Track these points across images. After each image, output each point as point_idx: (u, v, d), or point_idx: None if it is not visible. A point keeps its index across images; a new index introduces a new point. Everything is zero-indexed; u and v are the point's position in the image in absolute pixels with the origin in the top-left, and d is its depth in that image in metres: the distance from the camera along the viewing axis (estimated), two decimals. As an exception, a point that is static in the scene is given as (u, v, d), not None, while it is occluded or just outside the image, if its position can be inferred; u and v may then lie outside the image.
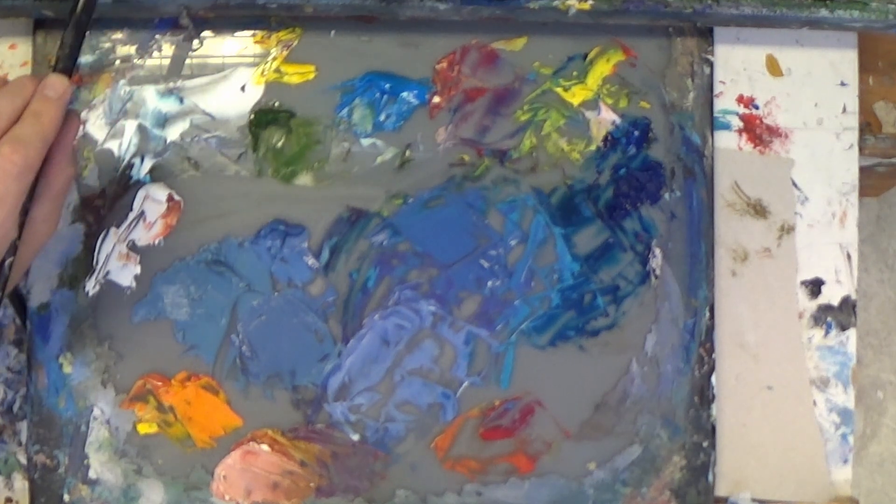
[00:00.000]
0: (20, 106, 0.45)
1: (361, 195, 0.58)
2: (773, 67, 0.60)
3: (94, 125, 0.58)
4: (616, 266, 0.59)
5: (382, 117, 0.59)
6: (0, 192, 0.42)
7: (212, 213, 0.58)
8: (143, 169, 0.58)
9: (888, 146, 0.62)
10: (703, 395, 0.58)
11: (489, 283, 0.58)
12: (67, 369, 0.57)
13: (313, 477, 0.57)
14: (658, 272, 0.59)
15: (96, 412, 0.57)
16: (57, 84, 0.46)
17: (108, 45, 0.59)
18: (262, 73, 0.58)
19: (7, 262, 0.45)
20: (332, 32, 0.59)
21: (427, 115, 0.59)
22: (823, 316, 0.59)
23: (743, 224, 0.60)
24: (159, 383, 0.57)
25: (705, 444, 0.58)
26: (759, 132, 0.60)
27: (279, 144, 0.58)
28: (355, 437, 0.57)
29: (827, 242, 0.60)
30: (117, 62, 0.59)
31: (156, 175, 0.58)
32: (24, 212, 0.45)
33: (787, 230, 0.60)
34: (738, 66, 0.60)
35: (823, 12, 0.56)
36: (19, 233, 0.45)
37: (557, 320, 0.58)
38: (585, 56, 0.60)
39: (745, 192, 0.60)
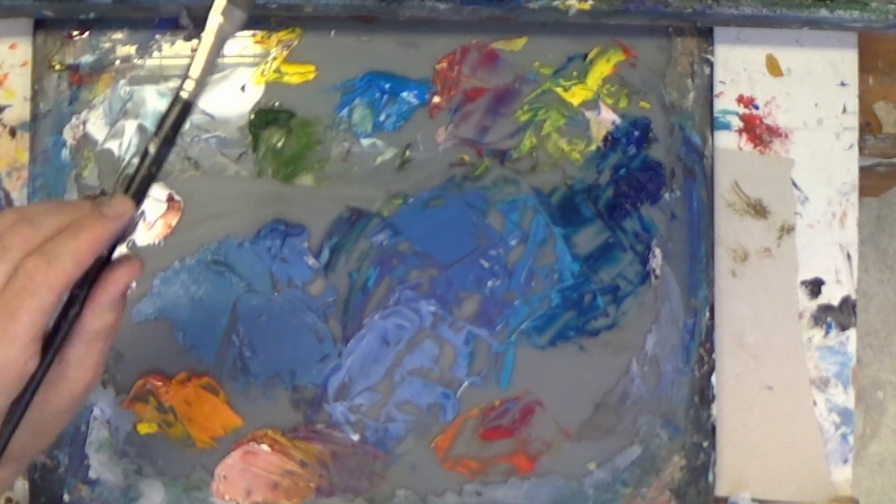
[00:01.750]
0: (66, 225, 0.37)
1: (361, 195, 0.58)
2: (773, 67, 0.60)
3: (94, 125, 0.58)
4: (616, 266, 0.59)
5: (382, 117, 0.59)
6: (13, 308, 0.35)
7: (212, 213, 0.58)
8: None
9: (888, 146, 0.62)
10: (703, 395, 0.58)
11: (489, 283, 0.58)
12: (67, 369, 0.57)
13: (313, 477, 0.57)
14: (658, 272, 0.59)
15: (96, 412, 0.57)
16: (118, 205, 0.38)
17: (108, 45, 0.59)
18: (262, 73, 0.58)
19: (24, 400, 0.37)
20: (332, 32, 0.59)
21: (427, 115, 0.59)
22: (823, 316, 0.59)
23: (743, 224, 0.60)
24: (159, 383, 0.57)
25: (705, 444, 0.58)
26: (759, 132, 0.60)
27: (279, 144, 0.58)
28: (355, 437, 0.57)
29: (827, 242, 0.60)
30: (117, 62, 0.59)
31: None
32: (48, 346, 0.37)
33: (787, 230, 0.60)
34: (738, 66, 0.60)
35: (823, 12, 0.56)
36: (43, 370, 0.37)
37: (557, 320, 0.58)
38: (585, 56, 0.60)
39: (745, 192, 0.60)
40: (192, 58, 0.41)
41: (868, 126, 0.62)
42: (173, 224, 0.57)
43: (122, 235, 0.39)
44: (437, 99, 0.59)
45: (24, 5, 0.55)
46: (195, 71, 0.41)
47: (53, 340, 0.37)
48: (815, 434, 0.59)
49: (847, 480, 0.59)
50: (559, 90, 0.59)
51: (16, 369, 0.36)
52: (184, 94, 0.40)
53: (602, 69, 0.60)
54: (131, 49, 0.59)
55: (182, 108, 0.40)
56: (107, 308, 0.38)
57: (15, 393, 0.36)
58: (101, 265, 0.38)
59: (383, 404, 0.58)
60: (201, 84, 0.41)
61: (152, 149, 0.40)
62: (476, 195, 0.59)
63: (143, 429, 0.57)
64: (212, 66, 0.41)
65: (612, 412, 0.58)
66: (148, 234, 0.58)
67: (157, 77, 0.58)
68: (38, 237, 0.36)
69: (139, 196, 0.39)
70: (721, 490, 0.58)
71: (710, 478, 0.58)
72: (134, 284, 0.57)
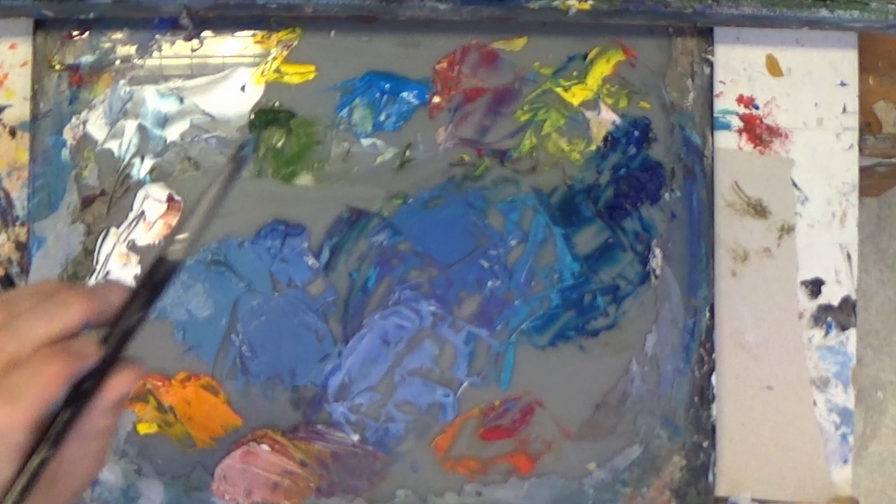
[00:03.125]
0: (57, 333, 0.36)
1: (361, 195, 0.58)
2: (773, 67, 0.60)
3: (94, 125, 0.58)
4: (616, 266, 0.59)
5: (382, 117, 0.59)
6: None
7: (212, 213, 0.58)
8: (143, 169, 0.58)
9: (888, 146, 0.62)
10: (703, 395, 0.58)
11: (489, 283, 0.58)
12: (67, 369, 0.57)
13: (313, 477, 0.57)
14: (658, 272, 0.59)
15: (96, 412, 0.57)
16: (84, 346, 0.36)
17: (108, 45, 0.59)
18: (262, 73, 0.58)
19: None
20: (332, 32, 0.59)
21: (427, 115, 0.59)
22: (823, 316, 0.59)
23: (743, 224, 0.60)
24: (159, 383, 0.57)
25: (705, 444, 0.58)
26: (759, 132, 0.60)
27: (279, 144, 0.58)
28: (355, 437, 0.57)
29: (827, 242, 0.60)
30: (117, 62, 0.59)
31: (156, 175, 0.58)
32: (41, 443, 0.36)
33: (787, 230, 0.60)
34: (738, 66, 0.60)
35: (823, 12, 0.56)
36: (35, 467, 0.36)
37: (557, 320, 0.58)
38: (585, 56, 0.60)
39: (745, 192, 0.60)
40: (182, 217, 0.37)
41: (868, 126, 0.62)
42: (173, 224, 0.57)
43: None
44: (437, 99, 0.59)
45: (24, 5, 0.55)
46: (189, 228, 0.38)
47: (46, 439, 0.36)
48: (815, 434, 0.59)
49: (847, 480, 0.59)
50: (559, 90, 0.59)
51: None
52: (172, 256, 0.37)
53: (602, 69, 0.60)
54: (131, 49, 0.59)
55: (169, 270, 0.38)
56: (105, 412, 0.38)
57: None
58: (106, 363, 0.37)
59: (383, 404, 0.58)
60: (193, 242, 0.38)
61: (135, 307, 0.37)
62: (476, 195, 0.59)
63: (143, 429, 0.57)
64: (208, 223, 0.38)
65: (612, 412, 0.58)
66: (148, 234, 0.58)
67: (157, 77, 0.58)
68: (26, 347, 0.35)
69: (112, 348, 0.37)
70: (721, 490, 0.58)
71: (710, 478, 0.58)
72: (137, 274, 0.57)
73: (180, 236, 0.38)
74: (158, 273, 0.38)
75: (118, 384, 0.37)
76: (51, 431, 0.36)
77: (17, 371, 0.35)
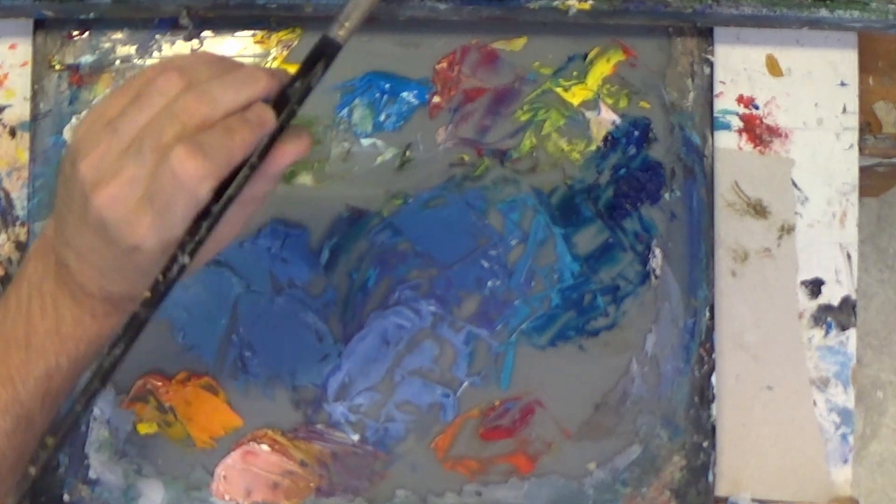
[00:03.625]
0: (243, 102, 0.37)
1: (361, 195, 0.58)
2: (773, 67, 0.60)
3: (94, 125, 0.58)
4: (616, 266, 0.59)
5: (382, 117, 0.59)
6: (167, 199, 0.36)
7: (212, 213, 0.58)
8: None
9: (888, 146, 0.62)
10: (703, 395, 0.58)
11: (489, 283, 0.58)
12: (67, 369, 0.57)
13: (313, 477, 0.57)
14: (658, 272, 0.59)
15: (96, 412, 0.57)
16: (263, 114, 0.38)
17: (108, 45, 0.59)
18: (262, 73, 0.58)
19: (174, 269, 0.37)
20: (332, 32, 0.59)
21: (427, 115, 0.59)
22: (823, 316, 0.59)
23: (743, 224, 0.60)
24: (159, 383, 0.57)
25: (705, 444, 0.58)
26: (759, 132, 0.60)
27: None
28: (355, 437, 0.57)
29: (827, 242, 0.60)
30: (117, 62, 0.59)
31: (156, 175, 0.58)
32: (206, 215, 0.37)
33: (787, 230, 0.60)
34: (738, 66, 0.60)
35: (823, 12, 0.56)
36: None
37: (557, 320, 0.58)
38: (585, 56, 0.60)
39: (745, 192, 0.60)
40: (349, 3, 0.39)
41: (868, 126, 0.62)
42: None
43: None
44: (437, 99, 0.59)
45: (24, 5, 0.55)
46: (356, 14, 0.39)
47: (225, 197, 0.37)
48: (815, 434, 0.59)
49: (847, 480, 0.59)
50: (559, 90, 0.59)
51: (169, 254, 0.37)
52: (337, 38, 0.39)
53: (602, 69, 0.60)
54: (131, 49, 0.59)
55: (333, 50, 0.39)
56: (270, 178, 0.39)
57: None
58: (275, 134, 0.38)
59: (383, 404, 0.58)
60: (356, 27, 0.39)
61: (300, 85, 0.39)
62: (476, 195, 0.59)
63: (143, 429, 0.57)
64: (371, 9, 0.40)
65: (612, 412, 0.58)
66: (148, 234, 0.58)
67: (157, 77, 0.58)
68: (193, 127, 0.36)
69: (284, 118, 0.38)
70: (721, 490, 0.58)
71: (710, 478, 0.58)
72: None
73: (347, 22, 0.40)
74: (322, 53, 0.40)
75: (290, 151, 0.39)
76: (230, 189, 0.37)
77: (210, 132, 0.36)
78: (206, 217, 0.37)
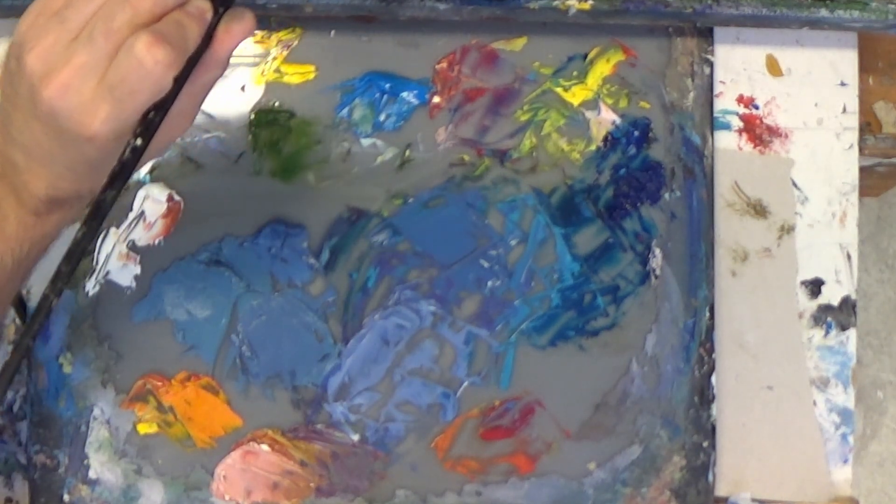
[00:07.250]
0: (161, 12, 0.36)
1: (361, 195, 0.58)
2: (773, 67, 0.60)
3: (94, 125, 0.58)
4: (616, 266, 0.59)
5: (382, 117, 0.59)
6: (132, 86, 0.35)
7: (212, 212, 0.58)
8: (143, 169, 0.58)
9: (888, 146, 0.62)
10: (703, 395, 0.58)
11: (489, 283, 0.58)
12: (67, 369, 0.57)
13: (313, 477, 0.57)
14: (658, 272, 0.59)
15: (96, 412, 0.57)
16: (201, 5, 0.38)
17: (108, 45, 0.58)
18: (262, 73, 0.58)
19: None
20: (332, 32, 0.59)
21: (427, 115, 0.59)
22: (823, 316, 0.59)
23: (743, 224, 0.60)
24: (159, 383, 0.57)
25: (705, 444, 0.58)
26: (759, 132, 0.60)
27: (279, 144, 0.58)
28: (355, 437, 0.57)
29: (827, 242, 0.60)
30: (117, 62, 0.58)
31: (156, 175, 0.58)
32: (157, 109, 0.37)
33: (787, 230, 0.60)
34: (738, 66, 0.60)
35: (823, 12, 0.56)
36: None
37: (557, 320, 0.58)
38: (585, 56, 0.60)
39: (745, 192, 0.60)
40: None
41: (868, 126, 0.62)
42: (173, 224, 0.57)
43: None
44: (437, 99, 0.59)
45: (24, 5, 0.55)
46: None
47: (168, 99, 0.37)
48: (815, 434, 0.59)
49: (847, 480, 0.59)
50: (559, 90, 0.59)
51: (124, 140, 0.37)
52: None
53: (602, 69, 0.60)
54: (131, 49, 0.58)
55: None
56: (219, 63, 0.39)
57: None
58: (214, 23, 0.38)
59: (383, 404, 0.58)
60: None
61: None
62: (476, 195, 0.59)
63: (143, 429, 0.57)
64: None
65: (612, 412, 0.58)
66: (148, 234, 0.58)
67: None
68: (144, 13, 0.36)
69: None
70: (721, 490, 0.58)
71: (710, 478, 0.58)
72: (137, 274, 0.57)
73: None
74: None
75: (237, 29, 0.38)
76: (181, 73, 0.37)
77: (165, 22, 0.36)
78: (161, 107, 0.37)
